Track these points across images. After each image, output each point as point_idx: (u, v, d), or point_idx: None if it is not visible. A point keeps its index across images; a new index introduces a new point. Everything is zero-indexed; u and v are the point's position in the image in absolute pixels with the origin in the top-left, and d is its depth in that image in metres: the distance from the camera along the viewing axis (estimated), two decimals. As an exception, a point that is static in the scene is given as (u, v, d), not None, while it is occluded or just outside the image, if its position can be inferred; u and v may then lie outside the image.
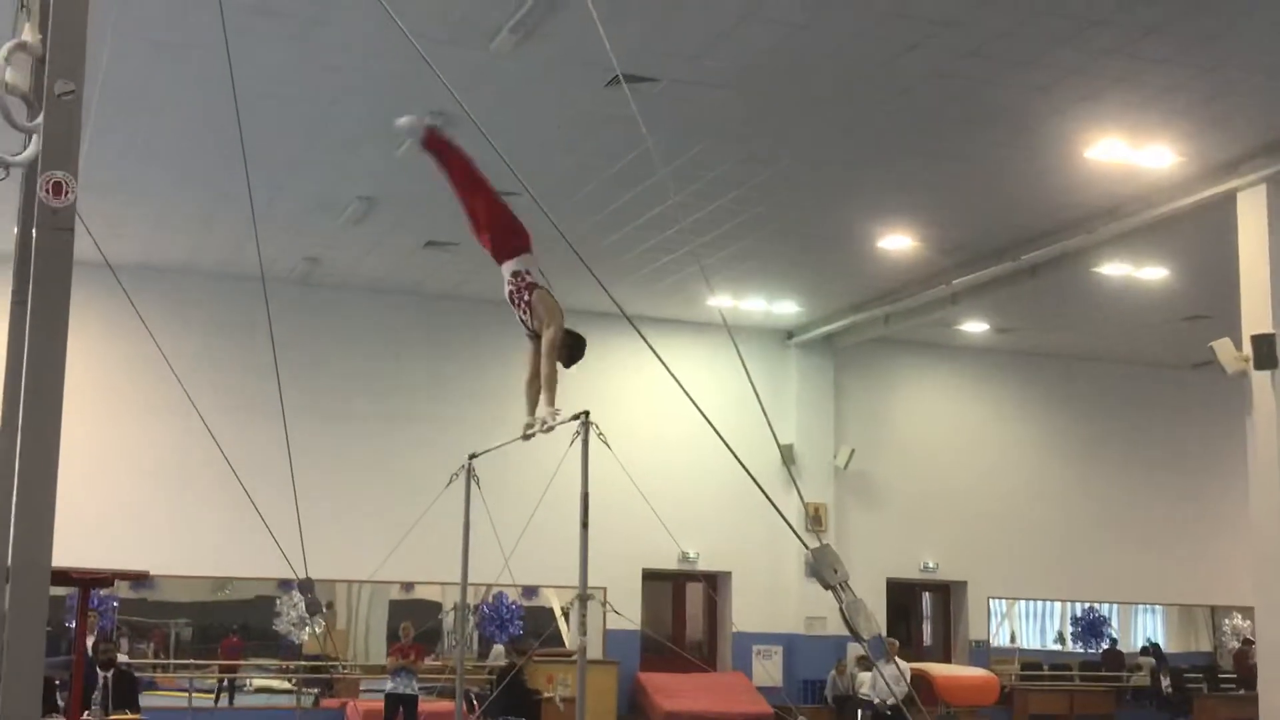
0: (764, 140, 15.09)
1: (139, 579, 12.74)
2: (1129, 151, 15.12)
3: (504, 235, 7.41)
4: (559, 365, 7.40)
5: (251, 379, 18.78)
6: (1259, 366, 14.64)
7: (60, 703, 10.94)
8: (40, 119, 3.38)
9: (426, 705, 16.52)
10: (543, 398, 7.40)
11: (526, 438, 7.86)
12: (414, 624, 19.28)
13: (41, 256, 3.33)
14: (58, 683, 11.00)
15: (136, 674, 14.83)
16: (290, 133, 14.91)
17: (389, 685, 16.45)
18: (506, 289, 7.43)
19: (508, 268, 7.39)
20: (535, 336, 7.42)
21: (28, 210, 3.45)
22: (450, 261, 20.06)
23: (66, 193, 3.38)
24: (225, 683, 22.34)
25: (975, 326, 24.02)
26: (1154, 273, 20.00)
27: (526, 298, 7.31)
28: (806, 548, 3.81)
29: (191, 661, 21.90)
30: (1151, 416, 26.53)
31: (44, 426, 3.34)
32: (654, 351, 5.00)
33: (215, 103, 13.53)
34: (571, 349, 7.45)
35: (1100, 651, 26.85)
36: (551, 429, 7.51)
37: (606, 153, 15.32)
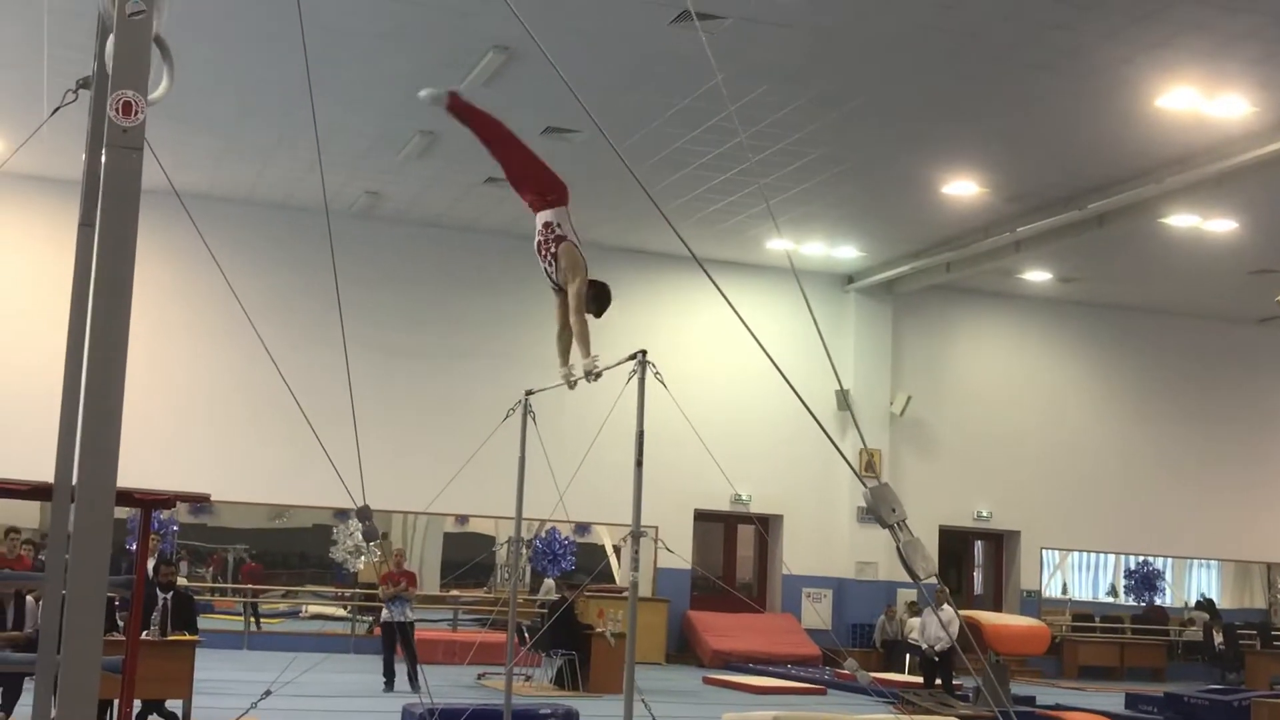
0: (830, 82, 14.92)
1: (199, 501, 12.92)
2: (1201, 101, 14.84)
3: (541, 189, 7.59)
4: (589, 317, 7.52)
5: (311, 311, 18.94)
6: (1327, 322, 14.43)
7: (120, 622, 11.12)
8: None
9: (480, 636, 16.57)
10: (579, 350, 7.50)
11: (571, 386, 7.94)
12: (457, 554, 19.20)
13: (110, 175, 3.35)
14: (117, 602, 11.16)
15: (195, 596, 15.05)
16: (354, 65, 14.90)
17: (384, 614, 16.23)
18: (536, 239, 7.61)
19: (541, 218, 7.60)
20: (559, 290, 7.53)
21: (97, 131, 3.46)
22: (510, 197, 19.93)
23: (136, 112, 3.40)
24: (249, 608, 22.06)
25: (1038, 275, 23.77)
26: (1222, 224, 19.68)
27: (553, 249, 7.50)
28: (865, 486, 3.80)
29: (249, 586, 22.16)
30: (1213, 371, 26.21)
31: (110, 348, 3.37)
32: (721, 293, 5.02)
33: (281, 34, 13.56)
34: (599, 300, 7.55)
35: (1152, 605, 26.71)
36: (599, 376, 7.57)
37: (670, 91, 15.22)
